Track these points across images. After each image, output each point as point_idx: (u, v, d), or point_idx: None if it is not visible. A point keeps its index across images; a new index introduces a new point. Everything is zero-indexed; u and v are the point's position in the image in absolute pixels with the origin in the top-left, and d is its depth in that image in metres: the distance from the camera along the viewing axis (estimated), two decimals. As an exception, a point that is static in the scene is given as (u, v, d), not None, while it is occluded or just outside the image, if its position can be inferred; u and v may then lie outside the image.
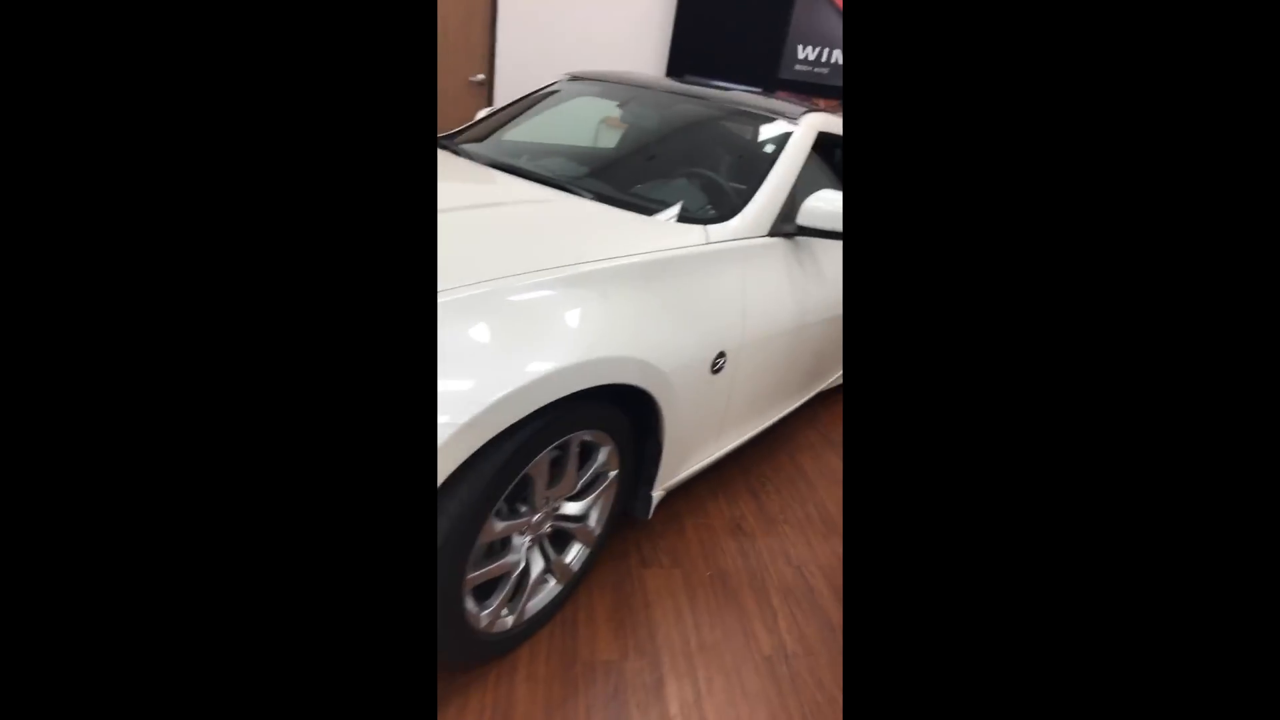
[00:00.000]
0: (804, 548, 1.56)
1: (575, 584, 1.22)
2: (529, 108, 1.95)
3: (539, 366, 0.87)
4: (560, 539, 1.19)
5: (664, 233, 1.25)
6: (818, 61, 3.51)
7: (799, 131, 1.65)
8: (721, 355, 1.28)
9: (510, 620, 1.06)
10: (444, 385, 0.81)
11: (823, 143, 1.78)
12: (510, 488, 0.92)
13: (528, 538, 1.05)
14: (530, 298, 0.93)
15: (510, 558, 1.02)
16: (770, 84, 3.60)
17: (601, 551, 1.33)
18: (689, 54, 3.72)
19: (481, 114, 2.08)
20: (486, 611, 1.00)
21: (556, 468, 1.04)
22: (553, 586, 1.15)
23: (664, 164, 1.76)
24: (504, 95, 4.04)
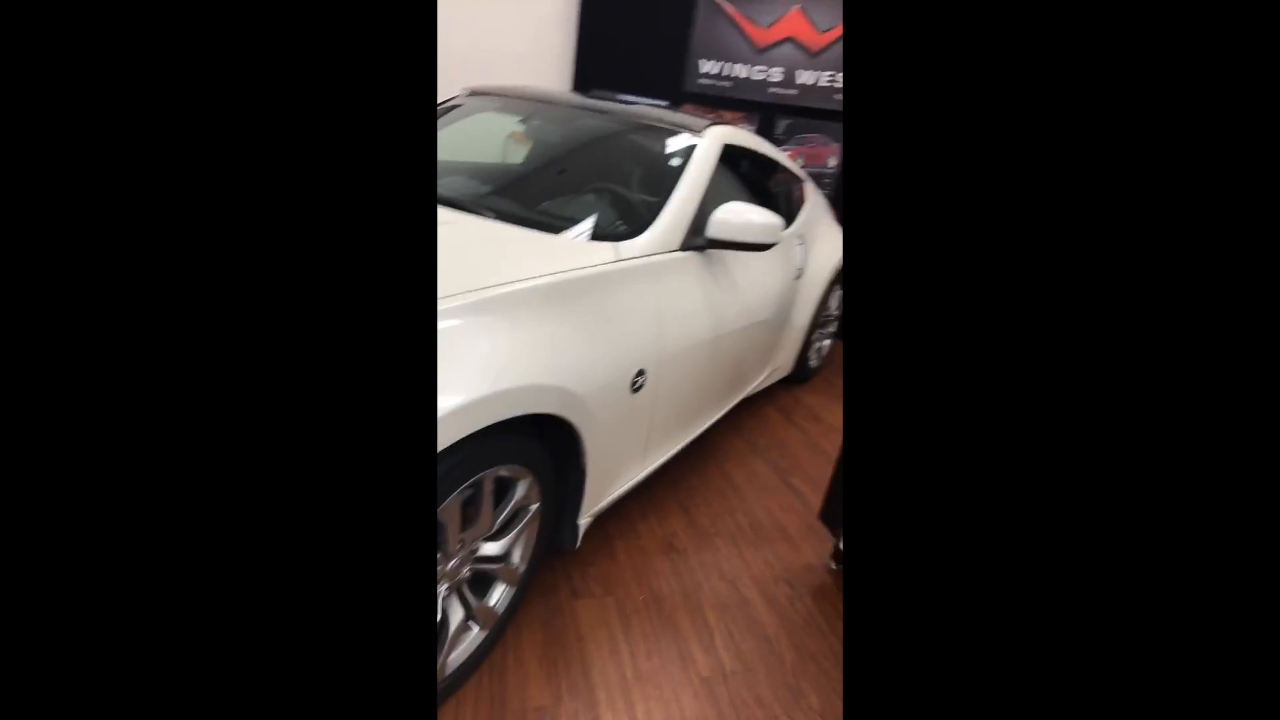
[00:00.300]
0: (736, 560, 1.56)
1: (502, 627, 1.15)
2: (428, 124, 1.86)
3: (447, 401, 0.81)
4: (481, 582, 1.11)
5: (573, 251, 1.21)
6: (720, 75, 3.60)
7: (704, 144, 1.66)
8: (641, 373, 1.26)
9: (430, 678, 0.97)
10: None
11: (729, 154, 1.81)
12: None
13: (444, 586, 0.97)
14: (442, 326, 0.87)
15: (425, 611, 0.94)
16: (676, 97, 3.66)
17: (529, 588, 1.26)
18: (595, 67, 3.72)
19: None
20: (400, 674, 0.92)
21: (470, 508, 0.97)
22: (476, 634, 1.08)
23: (570, 180, 1.73)
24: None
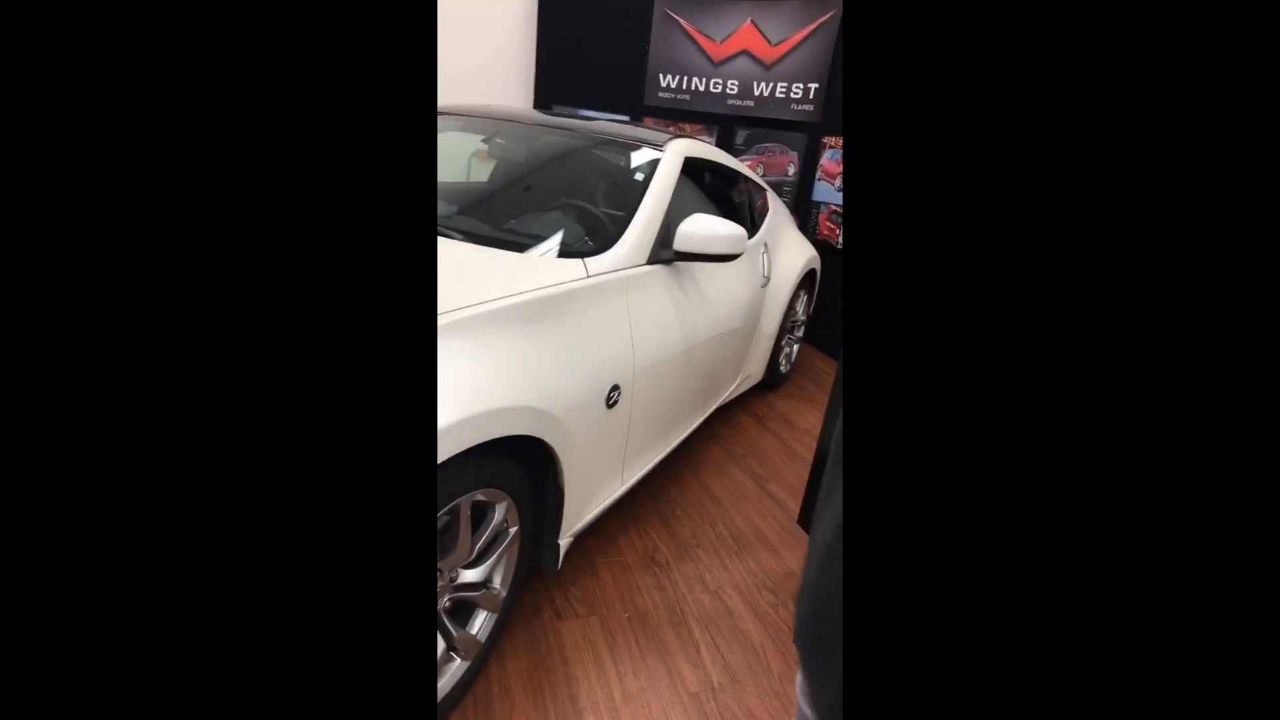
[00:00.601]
0: (719, 570, 1.56)
1: (485, 656, 1.12)
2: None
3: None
4: (462, 610, 1.09)
5: (543, 269, 1.20)
6: (679, 89, 3.65)
7: (667, 158, 1.68)
8: (615, 388, 1.25)
9: (412, 714, 0.94)
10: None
11: (692, 167, 1.83)
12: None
13: (423, 618, 0.95)
14: None
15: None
16: (637, 111, 3.69)
17: (511, 613, 1.24)
18: (555, 84, 3.73)
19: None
20: (382, 713, 0.89)
21: (447, 536, 0.95)
22: (458, 665, 1.05)
23: (536, 198, 1.72)
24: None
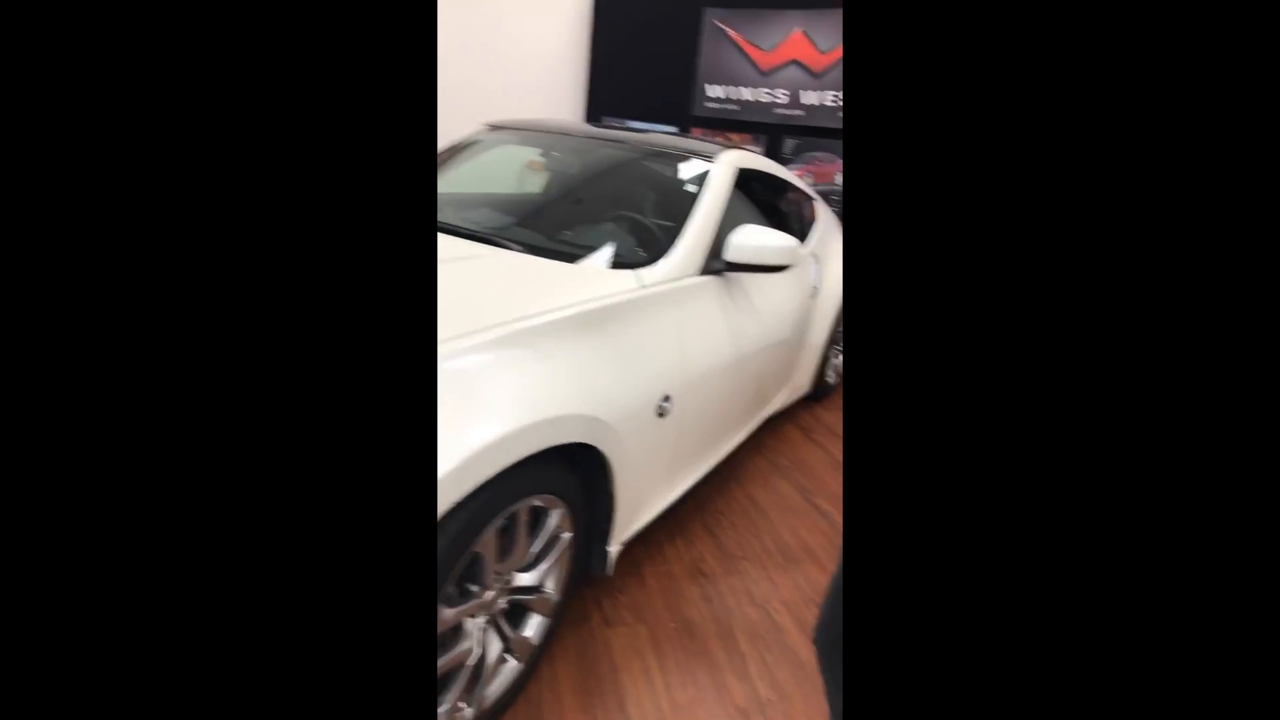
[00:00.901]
0: (766, 584, 1.54)
1: (537, 658, 1.15)
2: (451, 160, 1.91)
3: (482, 435, 0.82)
4: (517, 613, 1.11)
5: (597, 281, 1.23)
6: (727, 100, 3.66)
7: (718, 169, 1.69)
8: (666, 399, 1.27)
9: (470, 713, 0.97)
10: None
11: (742, 177, 1.83)
12: (459, 569, 0.85)
13: (481, 619, 0.98)
14: (466, 363, 0.88)
15: (463, 645, 0.94)
16: (685, 122, 3.72)
17: (562, 618, 1.26)
18: (605, 97, 3.79)
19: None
20: (442, 709, 0.91)
21: (506, 539, 0.98)
22: (513, 666, 1.08)
23: (590, 209, 1.76)
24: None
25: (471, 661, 0.96)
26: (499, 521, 0.92)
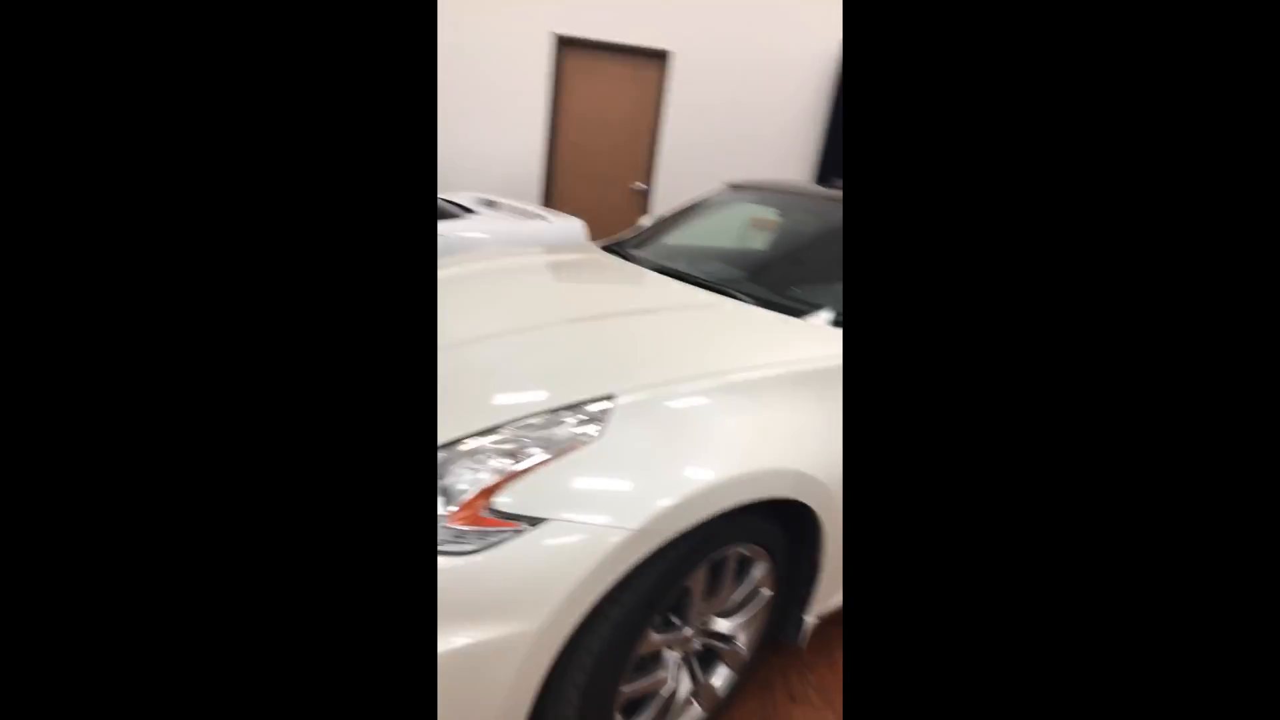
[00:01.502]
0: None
1: (720, 711, 1.12)
2: (690, 215, 2.06)
3: (703, 477, 0.86)
4: (707, 659, 1.11)
5: (821, 338, 1.22)
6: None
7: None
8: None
9: (653, 745, 0.99)
10: (613, 486, 0.82)
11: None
12: (669, 598, 0.89)
13: (677, 654, 1.00)
14: (690, 404, 0.93)
15: (660, 674, 0.96)
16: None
17: (748, 679, 1.22)
18: (837, 159, 3.78)
19: (646, 220, 2.24)
20: (634, 731, 0.95)
21: (714, 580, 0.99)
22: (697, 712, 1.07)
23: (817, 268, 1.75)
24: (662, 201, 4.35)
25: (665, 692, 0.98)
26: (710, 562, 0.94)
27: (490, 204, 3.04)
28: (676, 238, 1.99)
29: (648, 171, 4.41)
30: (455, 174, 4.19)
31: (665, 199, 4.33)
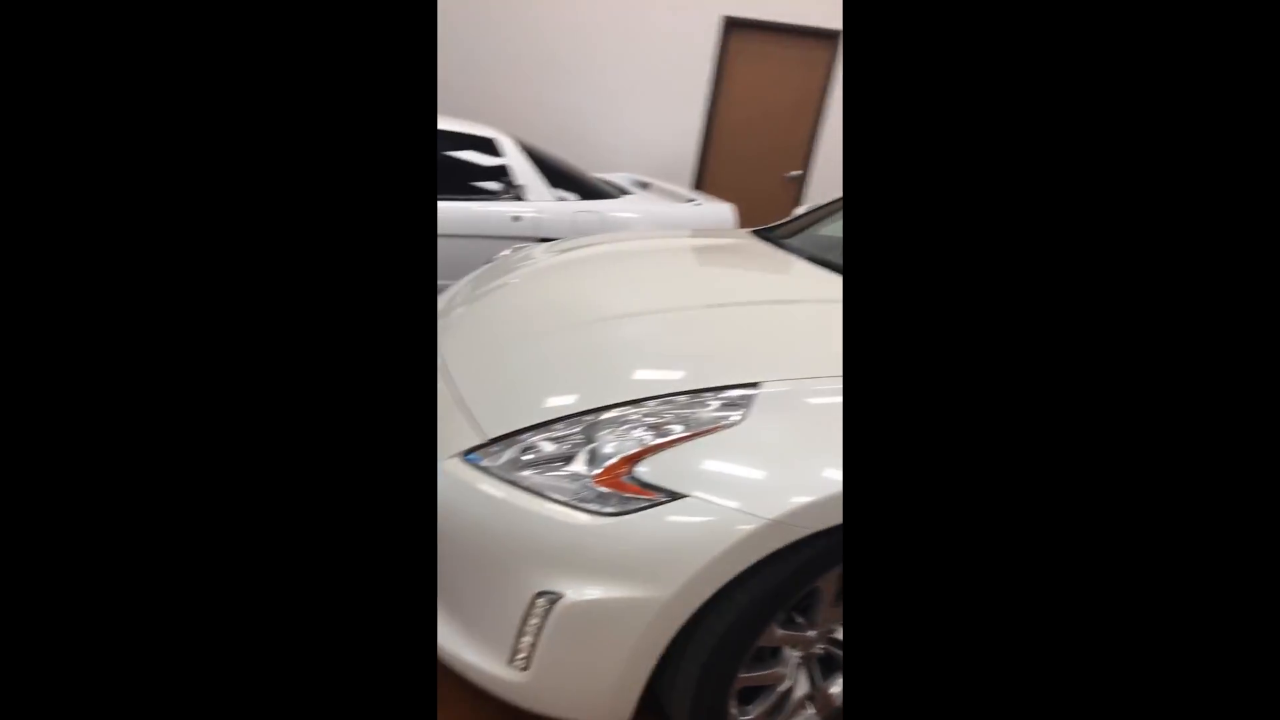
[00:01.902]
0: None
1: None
2: (837, 210, 1.95)
3: (838, 478, 0.82)
4: (828, 665, 1.07)
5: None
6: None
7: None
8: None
9: (764, 737, 0.98)
10: (752, 474, 0.82)
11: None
12: (799, 596, 0.87)
13: (798, 654, 0.97)
14: (834, 402, 0.89)
15: (778, 668, 0.95)
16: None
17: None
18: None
19: (800, 210, 2.16)
20: (747, 718, 0.94)
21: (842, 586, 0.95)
22: (811, 715, 1.04)
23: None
24: (817, 190, 4.17)
25: (781, 688, 0.96)
26: (840, 567, 0.90)
27: (644, 185, 3.10)
28: (832, 228, 1.90)
29: (805, 159, 4.24)
30: (614, 155, 4.33)
31: (821, 188, 4.14)
